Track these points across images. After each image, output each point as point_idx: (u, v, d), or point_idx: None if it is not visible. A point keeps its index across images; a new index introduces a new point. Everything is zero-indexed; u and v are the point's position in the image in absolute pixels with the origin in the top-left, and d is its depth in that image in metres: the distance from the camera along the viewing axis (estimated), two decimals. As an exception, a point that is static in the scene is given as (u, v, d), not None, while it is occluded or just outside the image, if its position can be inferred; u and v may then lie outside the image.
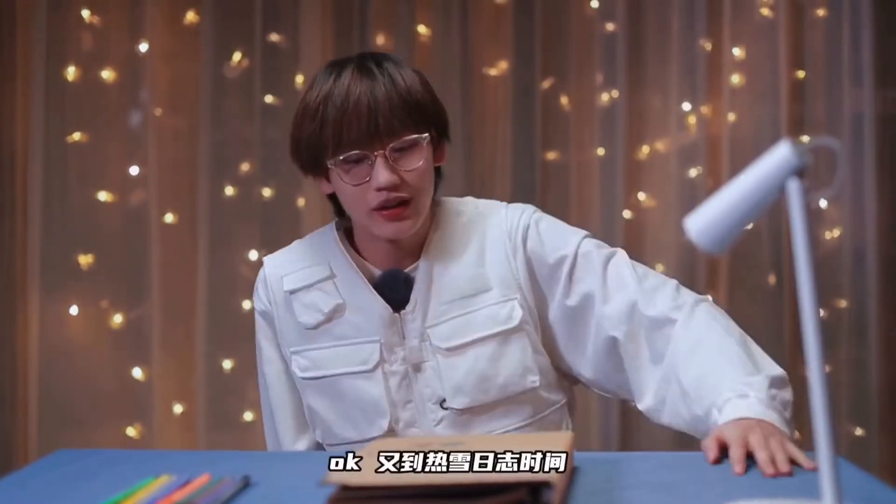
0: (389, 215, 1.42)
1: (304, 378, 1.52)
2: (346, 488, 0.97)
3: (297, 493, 1.11)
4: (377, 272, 1.50)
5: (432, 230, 1.52)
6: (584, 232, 1.52)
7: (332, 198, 1.52)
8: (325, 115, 1.41)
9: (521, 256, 1.49)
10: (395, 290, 1.48)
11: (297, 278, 1.52)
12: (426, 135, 1.44)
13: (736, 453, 1.15)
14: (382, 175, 1.40)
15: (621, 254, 1.50)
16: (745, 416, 1.24)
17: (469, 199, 1.59)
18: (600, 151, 2.99)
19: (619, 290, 1.45)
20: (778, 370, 1.35)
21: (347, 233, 1.56)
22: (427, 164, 1.45)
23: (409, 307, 1.47)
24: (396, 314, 1.48)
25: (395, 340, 1.47)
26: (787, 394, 1.33)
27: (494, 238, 1.51)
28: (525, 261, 1.49)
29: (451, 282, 1.48)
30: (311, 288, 1.51)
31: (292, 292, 1.52)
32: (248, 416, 2.92)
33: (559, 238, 1.50)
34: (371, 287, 1.49)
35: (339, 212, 1.54)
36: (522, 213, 1.53)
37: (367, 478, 0.99)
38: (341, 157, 1.41)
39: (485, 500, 0.95)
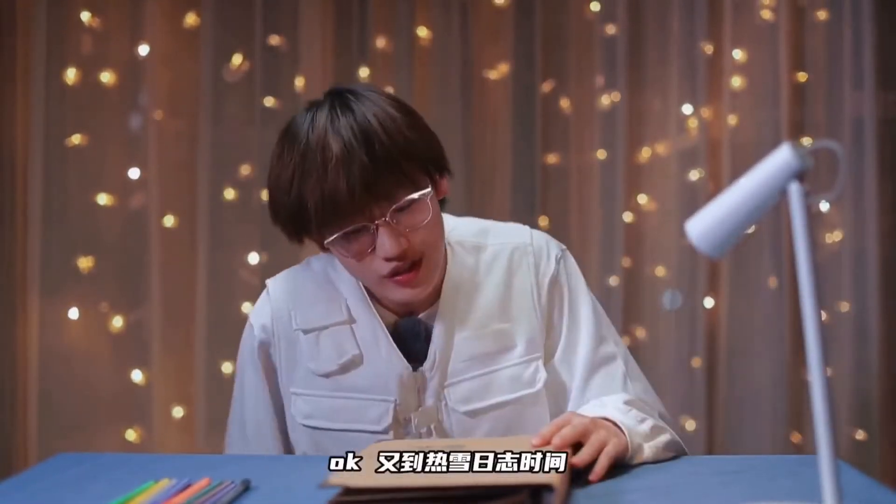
0: (403, 280, 1.30)
1: (304, 426, 1.40)
2: (347, 491, 0.97)
3: (297, 496, 1.10)
4: (392, 318, 1.40)
5: (448, 268, 1.41)
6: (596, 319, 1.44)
7: None
8: (302, 195, 1.25)
9: (544, 302, 1.42)
10: (414, 347, 1.38)
11: (310, 317, 1.40)
12: (427, 189, 1.29)
13: (566, 432, 1.13)
14: (388, 245, 1.26)
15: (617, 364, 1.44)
16: (597, 414, 1.26)
17: (485, 228, 1.47)
18: (601, 154, 2.99)
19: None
20: (652, 420, 1.32)
21: None
22: (434, 216, 1.31)
23: (427, 364, 1.37)
24: (416, 373, 1.37)
25: (411, 402, 1.37)
26: (647, 416, 1.30)
27: (522, 285, 1.42)
28: (547, 307, 1.43)
29: (472, 335, 1.38)
30: (324, 330, 1.39)
31: (305, 332, 1.40)
32: (248, 419, 2.92)
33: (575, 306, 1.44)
34: (391, 341, 1.37)
35: None
36: (549, 257, 1.44)
37: (368, 479, 0.99)
38: (339, 235, 1.27)
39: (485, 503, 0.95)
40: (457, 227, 1.47)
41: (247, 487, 1.12)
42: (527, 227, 1.49)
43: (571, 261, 1.47)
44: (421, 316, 1.40)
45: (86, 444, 2.86)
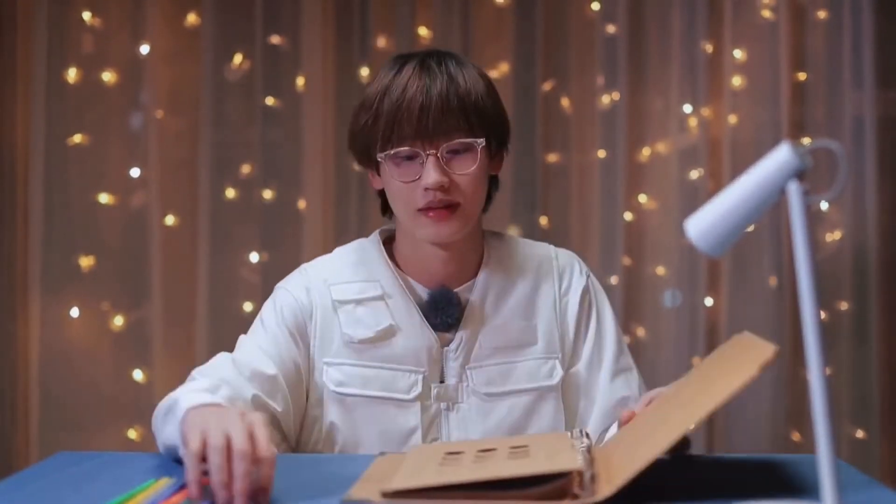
0: (435, 216, 1.40)
1: (336, 392, 1.46)
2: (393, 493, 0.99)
3: (297, 495, 1.10)
4: (424, 293, 1.48)
5: (484, 264, 1.51)
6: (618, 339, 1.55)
7: (382, 195, 1.50)
8: (379, 109, 1.40)
9: (573, 312, 1.53)
10: (446, 312, 1.47)
11: (348, 291, 1.48)
12: (481, 140, 1.41)
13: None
14: (432, 175, 1.38)
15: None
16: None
17: (516, 239, 1.59)
18: (601, 153, 2.99)
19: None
20: None
21: (387, 245, 1.54)
22: (480, 171, 1.42)
23: (453, 345, 1.47)
24: (442, 349, 1.46)
25: (436, 376, 1.46)
26: None
27: (546, 293, 1.52)
28: (577, 317, 1.53)
29: (500, 328, 1.48)
30: (360, 303, 1.47)
31: (342, 303, 1.47)
32: (248, 418, 2.92)
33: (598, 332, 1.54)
34: (422, 314, 1.47)
35: (384, 209, 1.52)
36: (580, 272, 1.55)
37: (409, 481, 1.00)
38: (392, 152, 1.40)
39: (531, 490, 0.98)
40: (496, 234, 1.59)
41: (247, 486, 1.12)
42: (551, 245, 1.60)
43: (595, 279, 1.59)
44: (456, 290, 1.49)
45: (86, 443, 2.87)
